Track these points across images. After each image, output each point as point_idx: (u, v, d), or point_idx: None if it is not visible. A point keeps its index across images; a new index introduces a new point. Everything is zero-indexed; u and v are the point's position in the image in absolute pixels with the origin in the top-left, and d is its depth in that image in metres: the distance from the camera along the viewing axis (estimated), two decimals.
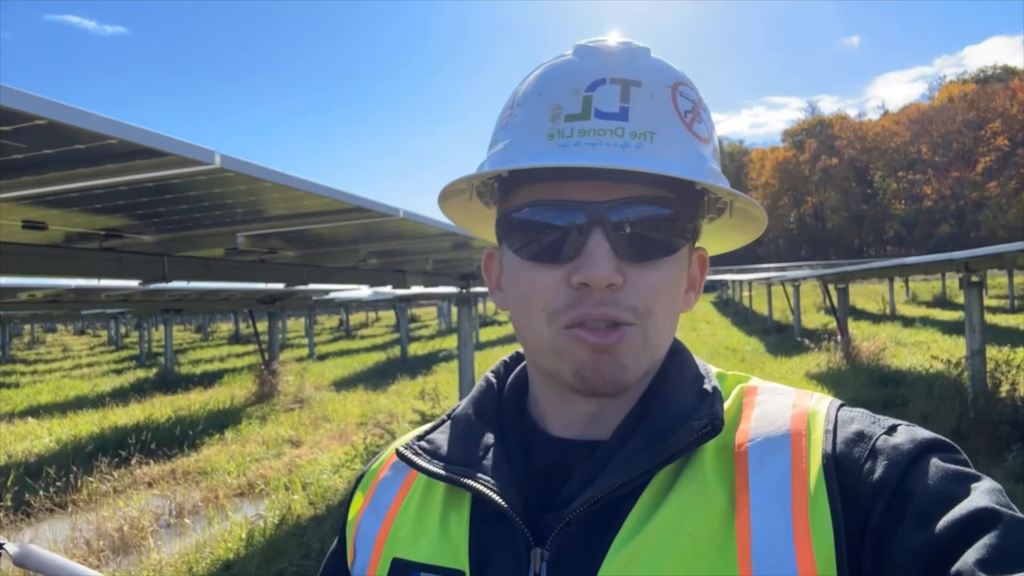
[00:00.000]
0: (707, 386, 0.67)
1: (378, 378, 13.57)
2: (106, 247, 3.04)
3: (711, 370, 0.72)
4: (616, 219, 0.61)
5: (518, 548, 0.62)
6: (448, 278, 8.19)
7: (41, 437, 9.09)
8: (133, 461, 7.30)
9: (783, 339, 16.47)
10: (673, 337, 0.70)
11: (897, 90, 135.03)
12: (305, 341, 23.68)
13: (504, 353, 0.86)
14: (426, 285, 8.13)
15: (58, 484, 6.38)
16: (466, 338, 7.04)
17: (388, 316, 43.52)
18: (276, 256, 4.35)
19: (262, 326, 13.45)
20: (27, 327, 37.65)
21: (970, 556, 0.48)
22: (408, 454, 0.70)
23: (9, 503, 5.85)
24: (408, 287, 7.61)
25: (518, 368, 0.78)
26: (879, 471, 0.56)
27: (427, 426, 0.76)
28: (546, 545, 0.61)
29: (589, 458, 0.65)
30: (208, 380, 14.60)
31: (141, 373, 16.83)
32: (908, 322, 18.83)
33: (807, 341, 13.50)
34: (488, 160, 0.68)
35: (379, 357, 17.78)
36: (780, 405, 0.65)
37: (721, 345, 16.58)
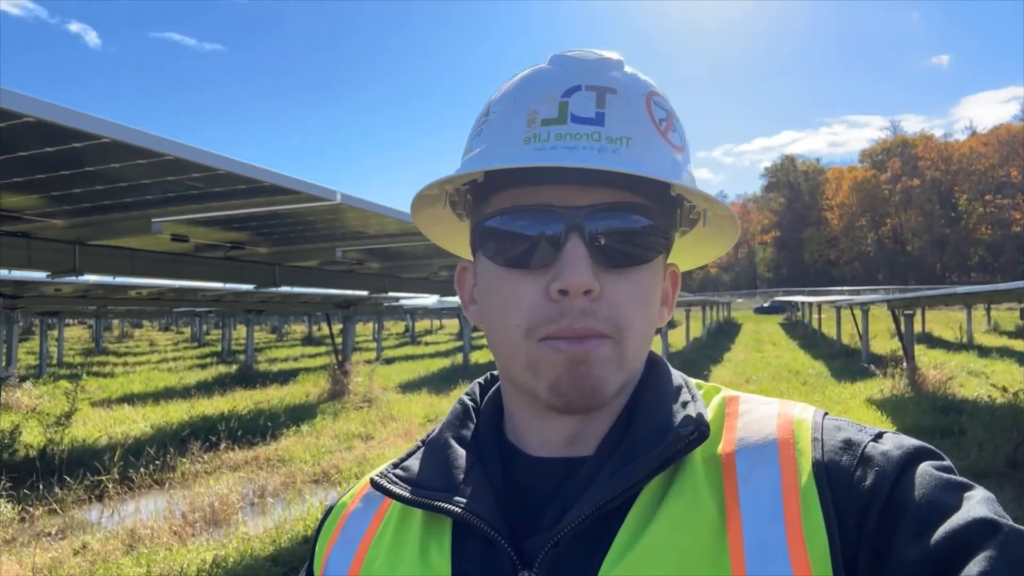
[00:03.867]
0: (688, 395, 0.66)
1: (441, 383, 14.13)
2: (229, 256, 3.62)
3: (690, 380, 0.72)
4: (593, 226, 0.60)
5: (504, 572, 0.59)
6: None
7: (137, 422, 10.00)
8: (222, 446, 8.04)
9: (849, 364, 16.20)
10: (649, 350, 0.70)
11: (987, 111, 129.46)
12: (373, 345, 24.65)
13: None
14: None
15: (156, 463, 7.14)
16: None
17: (451, 324, 44.47)
18: (363, 268, 4.91)
19: (336, 328, 14.22)
20: (116, 322, 40.22)
21: (972, 569, 0.47)
22: (383, 482, 0.67)
23: (116, 476, 6.61)
24: None
25: (493, 389, 0.76)
26: (870, 478, 0.55)
27: (402, 454, 0.74)
28: (534, 568, 0.59)
29: (573, 476, 0.63)
30: (284, 377, 15.52)
31: (223, 368, 17.96)
32: (985, 352, 18.22)
33: (873, 367, 13.30)
34: (463, 165, 0.67)
35: (443, 363, 18.40)
36: (764, 414, 0.64)
37: (784, 368, 16.42)
